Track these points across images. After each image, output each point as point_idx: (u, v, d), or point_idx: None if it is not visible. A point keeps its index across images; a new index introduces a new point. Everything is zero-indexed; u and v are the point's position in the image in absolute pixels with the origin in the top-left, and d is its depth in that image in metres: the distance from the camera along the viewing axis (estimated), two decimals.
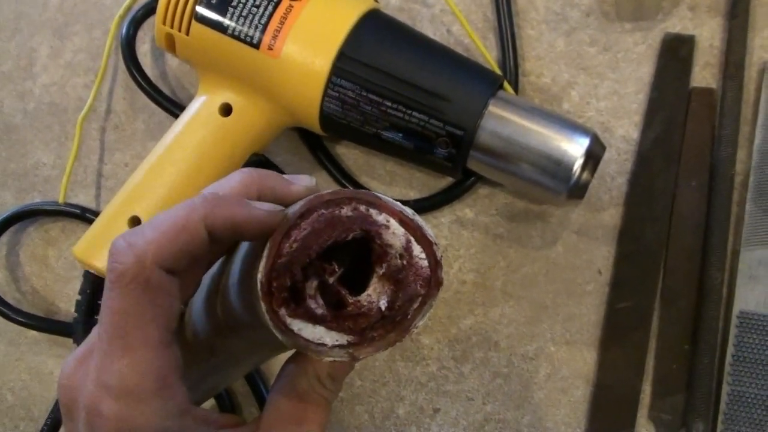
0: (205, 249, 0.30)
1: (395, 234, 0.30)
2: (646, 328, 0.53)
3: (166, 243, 0.29)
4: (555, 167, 0.48)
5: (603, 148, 0.50)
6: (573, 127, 0.48)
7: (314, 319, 0.30)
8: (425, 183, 0.56)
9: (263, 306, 0.29)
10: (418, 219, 0.31)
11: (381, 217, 0.30)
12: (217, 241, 0.30)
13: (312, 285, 0.30)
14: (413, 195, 0.56)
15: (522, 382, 0.54)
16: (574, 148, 0.48)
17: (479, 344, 0.54)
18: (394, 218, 0.31)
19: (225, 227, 0.30)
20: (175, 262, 0.29)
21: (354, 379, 0.55)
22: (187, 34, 0.51)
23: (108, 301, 0.29)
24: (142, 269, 0.29)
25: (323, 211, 0.30)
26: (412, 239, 0.31)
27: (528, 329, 0.54)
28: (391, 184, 0.57)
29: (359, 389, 0.55)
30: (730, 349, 0.50)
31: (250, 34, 0.49)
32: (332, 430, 0.55)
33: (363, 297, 0.31)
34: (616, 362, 0.53)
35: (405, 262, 0.31)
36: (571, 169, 0.47)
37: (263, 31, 0.49)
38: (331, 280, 0.30)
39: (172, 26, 0.51)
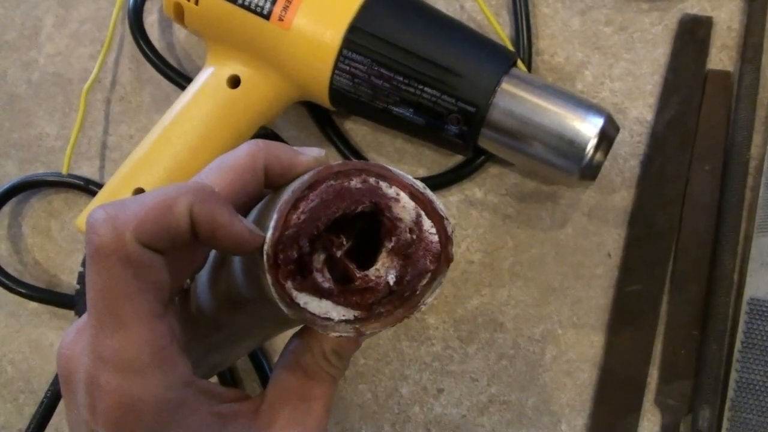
0: (185, 239, 0.29)
1: (405, 207, 0.30)
2: (655, 313, 0.52)
3: (148, 220, 0.28)
4: (568, 147, 0.47)
5: (617, 128, 0.49)
6: (587, 106, 0.48)
7: (321, 293, 0.29)
8: (435, 161, 0.56)
9: (269, 278, 0.28)
10: (429, 193, 0.30)
11: (391, 190, 0.30)
12: (197, 239, 0.29)
13: (319, 258, 0.30)
14: (422, 173, 0.56)
15: (528, 364, 0.53)
16: (588, 128, 0.47)
17: (485, 325, 0.54)
18: (404, 191, 0.30)
19: (206, 223, 0.29)
20: (155, 241, 0.28)
21: (358, 357, 0.55)
22: (197, 3, 0.50)
23: (91, 277, 0.28)
24: (121, 244, 0.27)
25: (332, 182, 0.29)
26: (423, 213, 0.30)
27: (535, 311, 0.54)
28: (399, 161, 0.56)
29: (363, 367, 0.55)
30: (740, 336, 0.50)
31: (261, 4, 0.48)
32: (335, 407, 0.55)
33: (371, 271, 0.30)
34: (624, 346, 0.52)
35: (415, 237, 0.30)
36: (584, 149, 0.47)
37: (274, 2, 0.48)
38: (339, 253, 0.30)
39: None
